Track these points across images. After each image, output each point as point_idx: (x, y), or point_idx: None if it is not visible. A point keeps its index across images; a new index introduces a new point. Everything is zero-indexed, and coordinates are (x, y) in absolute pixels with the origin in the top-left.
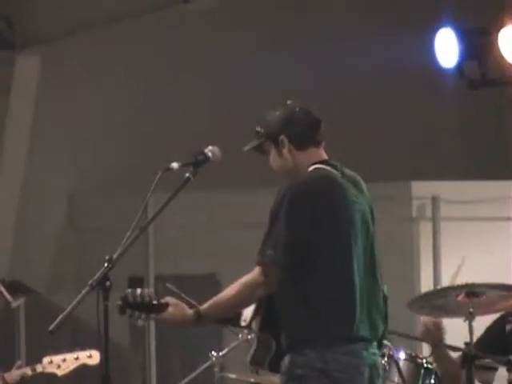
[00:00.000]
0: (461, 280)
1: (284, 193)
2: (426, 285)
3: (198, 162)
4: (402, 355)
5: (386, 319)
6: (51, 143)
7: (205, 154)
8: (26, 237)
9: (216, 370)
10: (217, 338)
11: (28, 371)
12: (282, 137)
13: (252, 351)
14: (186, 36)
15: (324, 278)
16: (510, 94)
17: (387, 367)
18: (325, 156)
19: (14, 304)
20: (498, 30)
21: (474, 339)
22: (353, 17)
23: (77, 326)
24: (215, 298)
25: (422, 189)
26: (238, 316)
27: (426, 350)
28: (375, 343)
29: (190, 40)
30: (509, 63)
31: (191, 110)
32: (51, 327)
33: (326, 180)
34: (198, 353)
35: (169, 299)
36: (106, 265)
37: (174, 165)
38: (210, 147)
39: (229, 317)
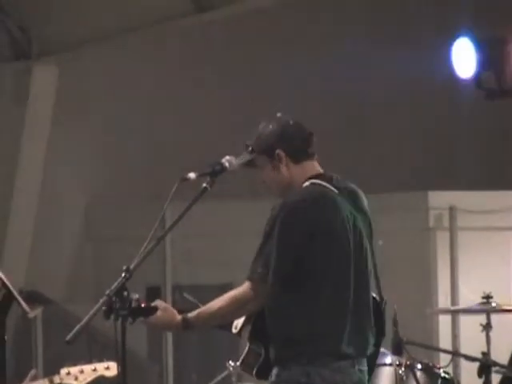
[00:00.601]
0: (478, 290)
1: (278, 210)
2: (443, 295)
3: (215, 172)
4: (419, 365)
5: (383, 328)
6: (68, 153)
7: (221, 164)
8: (43, 247)
9: (233, 379)
10: (234, 347)
11: (46, 383)
12: (279, 151)
13: (243, 356)
14: (200, 46)
15: (313, 296)
16: None
17: (404, 377)
18: (319, 168)
19: (32, 314)
20: None
21: (492, 349)
22: (369, 28)
23: (94, 337)
24: (204, 308)
25: (439, 199)
26: (230, 323)
27: (443, 359)
28: (363, 359)
29: (204, 50)
30: None
31: (206, 120)
32: (68, 337)
33: (320, 197)
34: (215, 362)
35: (158, 303)
36: (123, 275)
37: (191, 175)
38: (227, 157)
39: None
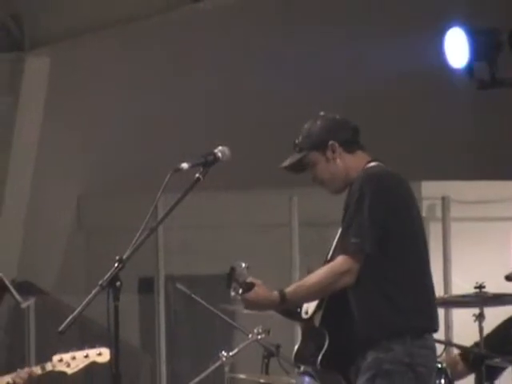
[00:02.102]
0: (471, 280)
1: (361, 182)
2: (435, 285)
3: (208, 163)
4: None
5: None
6: (60, 144)
7: (214, 155)
8: (36, 238)
9: (226, 370)
10: (227, 338)
11: (38, 370)
12: (332, 142)
13: (297, 348)
14: (195, 36)
15: (404, 269)
16: None
17: None
18: (371, 158)
19: (24, 305)
20: (508, 30)
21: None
22: (364, 17)
23: (87, 327)
24: (300, 283)
25: (431, 189)
26: (299, 310)
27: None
28: None
29: (199, 40)
30: None
31: (201, 110)
32: (61, 327)
33: (395, 174)
34: (208, 353)
35: (253, 280)
36: (116, 265)
37: (184, 165)
38: (220, 147)
39: (291, 310)
